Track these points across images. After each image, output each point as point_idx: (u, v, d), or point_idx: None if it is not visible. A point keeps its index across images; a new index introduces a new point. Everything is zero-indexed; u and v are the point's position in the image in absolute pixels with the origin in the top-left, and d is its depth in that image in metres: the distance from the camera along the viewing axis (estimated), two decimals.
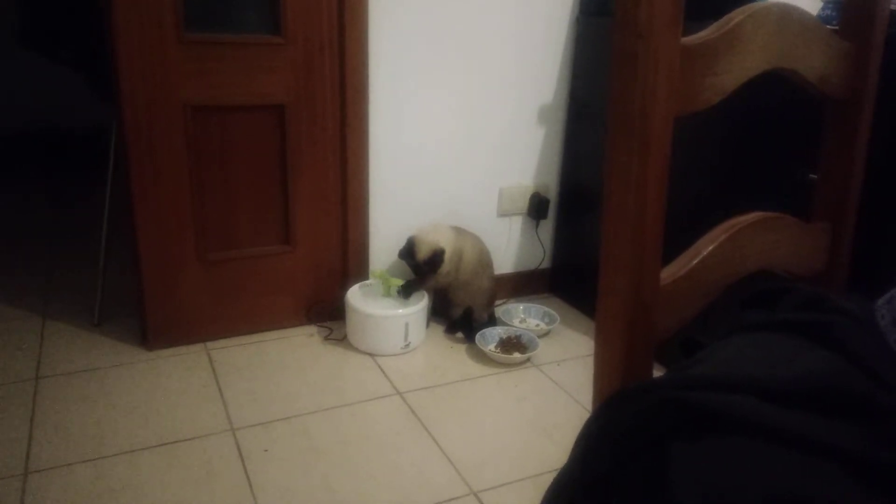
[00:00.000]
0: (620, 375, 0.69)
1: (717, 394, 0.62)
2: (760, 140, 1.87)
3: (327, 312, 2.42)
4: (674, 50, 0.62)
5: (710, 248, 0.74)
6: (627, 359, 0.69)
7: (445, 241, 2.27)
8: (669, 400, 0.63)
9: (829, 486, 0.54)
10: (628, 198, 0.63)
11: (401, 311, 2.23)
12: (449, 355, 2.29)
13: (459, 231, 2.39)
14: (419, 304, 2.27)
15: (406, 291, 2.29)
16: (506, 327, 2.39)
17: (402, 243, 2.32)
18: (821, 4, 1.77)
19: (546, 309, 2.54)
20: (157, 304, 2.18)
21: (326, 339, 2.34)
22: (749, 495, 0.55)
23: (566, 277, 2.73)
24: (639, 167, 0.61)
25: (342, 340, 2.33)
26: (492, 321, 2.45)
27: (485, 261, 2.44)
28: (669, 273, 0.71)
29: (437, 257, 2.23)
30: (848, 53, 0.86)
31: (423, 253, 2.24)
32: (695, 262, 0.73)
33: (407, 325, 2.23)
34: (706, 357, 0.72)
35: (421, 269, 2.26)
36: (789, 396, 0.61)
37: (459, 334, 2.41)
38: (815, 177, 1.69)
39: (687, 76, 0.64)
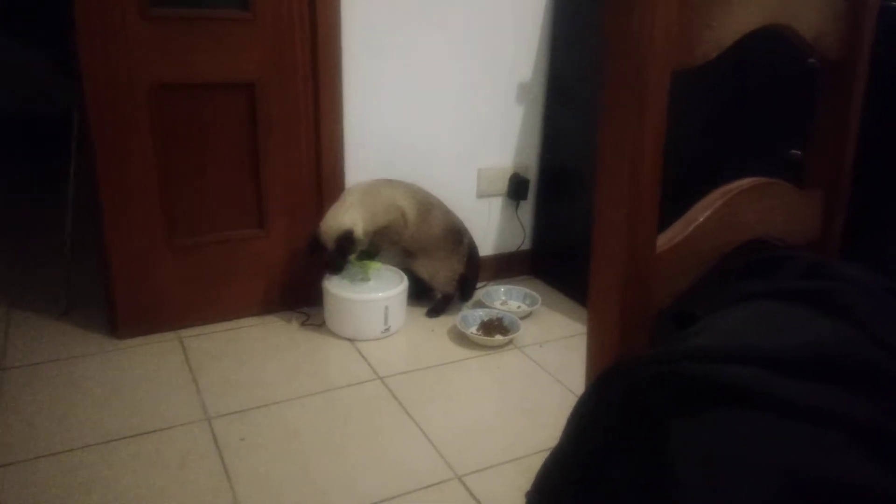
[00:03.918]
0: (615, 348, 0.66)
1: (720, 365, 0.59)
2: (742, 115, 1.85)
3: (304, 298, 2.36)
4: None
5: (707, 213, 0.71)
6: (623, 331, 0.65)
7: (350, 215, 2.11)
8: (669, 372, 0.60)
9: (838, 457, 0.52)
10: (624, 156, 0.59)
11: (380, 294, 2.18)
12: (430, 339, 2.25)
13: (384, 184, 2.25)
14: (398, 288, 2.23)
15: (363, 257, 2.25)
16: (487, 309, 2.36)
17: None
18: None
19: (527, 291, 2.51)
20: (127, 292, 2.11)
21: (304, 324, 2.29)
22: (754, 468, 0.52)
23: (547, 259, 2.71)
24: (635, 122, 0.57)
25: (320, 326, 2.27)
26: (466, 289, 2.40)
27: (426, 202, 2.28)
28: (665, 240, 0.68)
29: (345, 239, 2.09)
30: (844, 13, 0.82)
31: (331, 242, 2.11)
32: (691, 228, 0.69)
33: (386, 308, 2.19)
34: (704, 329, 0.69)
35: (341, 254, 2.12)
36: (795, 366, 0.58)
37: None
38: (798, 152, 1.68)
39: (684, 27, 0.60)
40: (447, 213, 2.34)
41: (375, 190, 2.23)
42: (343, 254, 2.13)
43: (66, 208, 2.29)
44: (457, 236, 2.34)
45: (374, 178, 2.32)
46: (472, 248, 2.40)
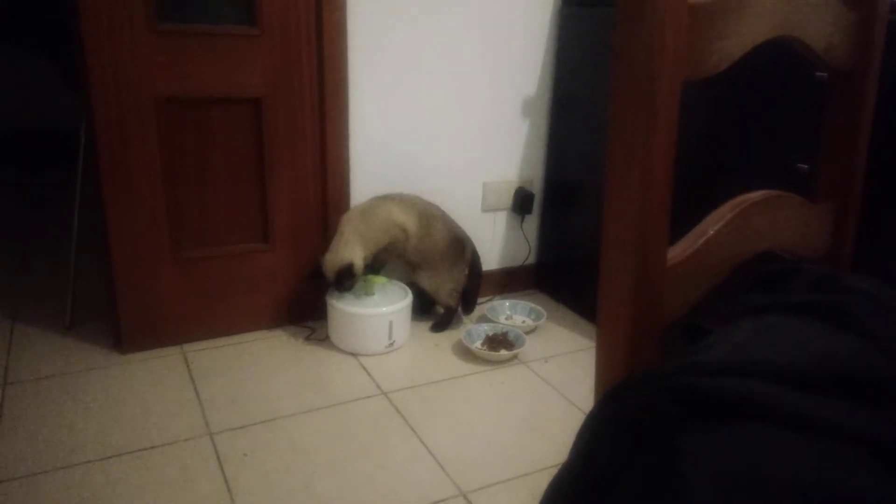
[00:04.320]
0: (625, 362, 0.65)
1: (731, 379, 0.58)
2: (749, 128, 1.84)
3: (309, 312, 2.35)
4: (681, 8, 0.57)
5: (718, 226, 0.70)
6: (632, 344, 0.64)
7: (350, 249, 2.13)
8: (681, 387, 0.59)
9: (852, 473, 0.51)
10: (634, 167, 0.58)
11: (384, 309, 2.17)
12: (434, 353, 2.23)
13: (381, 203, 2.24)
14: (403, 302, 2.21)
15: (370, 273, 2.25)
16: (492, 324, 2.34)
17: None
18: None
19: (532, 305, 2.49)
20: (131, 306, 2.10)
21: (308, 339, 2.28)
22: (768, 486, 0.51)
23: (552, 273, 2.69)
24: (645, 133, 0.56)
25: (324, 340, 2.26)
26: (469, 301, 2.39)
27: (427, 213, 2.28)
28: (676, 252, 0.67)
29: (344, 272, 2.12)
30: (854, 24, 0.82)
31: (329, 274, 2.14)
32: (702, 241, 0.69)
33: (391, 323, 2.18)
34: (716, 342, 0.68)
35: (340, 285, 2.15)
36: (806, 380, 0.57)
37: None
38: (805, 166, 1.67)
39: (694, 38, 0.59)
40: (449, 223, 2.33)
41: (372, 212, 2.21)
42: (342, 286, 2.15)
43: (72, 221, 2.29)
44: (459, 246, 2.33)
45: (380, 192, 2.31)
46: (475, 258, 2.39)
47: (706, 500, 0.52)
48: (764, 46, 0.71)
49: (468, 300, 2.41)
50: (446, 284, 2.32)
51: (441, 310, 2.39)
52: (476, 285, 2.41)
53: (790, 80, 1.65)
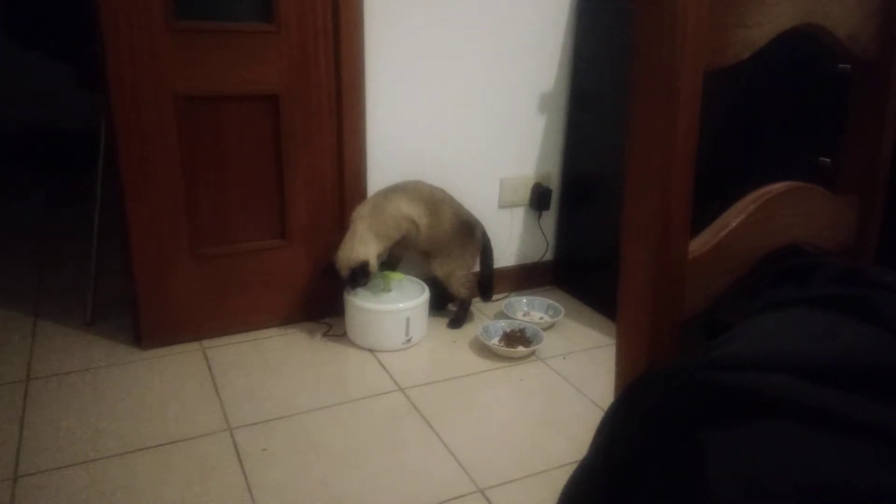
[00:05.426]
0: (645, 357, 0.64)
1: (755, 374, 0.57)
2: (770, 120, 1.81)
3: (326, 308, 2.36)
4: None
5: (740, 218, 0.69)
6: (653, 338, 0.63)
7: (364, 247, 2.12)
8: (703, 382, 0.58)
9: (876, 470, 0.50)
10: (654, 159, 0.57)
11: (401, 305, 2.17)
12: (451, 350, 2.23)
13: (387, 197, 2.21)
14: (420, 298, 2.21)
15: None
16: (509, 320, 2.34)
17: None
18: None
19: (550, 301, 2.48)
20: (151, 302, 2.12)
21: (325, 335, 2.28)
22: (792, 482, 0.51)
23: (570, 269, 2.68)
24: (666, 124, 0.55)
25: (342, 337, 2.27)
26: (485, 288, 2.40)
27: (434, 199, 2.26)
28: (697, 245, 0.66)
29: (359, 269, 2.12)
30: (878, 12, 0.80)
31: (343, 271, 2.13)
32: (724, 233, 0.67)
33: (408, 319, 2.18)
34: (737, 337, 0.66)
35: (354, 282, 2.15)
36: (831, 375, 0.56)
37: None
38: (828, 160, 1.64)
39: (716, 25, 0.58)
40: (456, 206, 2.32)
41: (380, 208, 2.19)
42: (356, 283, 2.14)
43: (92, 219, 2.32)
44: (468, 228, 2.32)
45: None
46: (485, 240, 2.38)
47: (729, 496, 0.51)
48: (786, 36, 0.69)
49: (485, 286, 2.40)
50: (458, 271, 2.30)
51: (455, 306, 2.39)
52: (490, 270, 2.40)
53: (812, 72, 1.62)
